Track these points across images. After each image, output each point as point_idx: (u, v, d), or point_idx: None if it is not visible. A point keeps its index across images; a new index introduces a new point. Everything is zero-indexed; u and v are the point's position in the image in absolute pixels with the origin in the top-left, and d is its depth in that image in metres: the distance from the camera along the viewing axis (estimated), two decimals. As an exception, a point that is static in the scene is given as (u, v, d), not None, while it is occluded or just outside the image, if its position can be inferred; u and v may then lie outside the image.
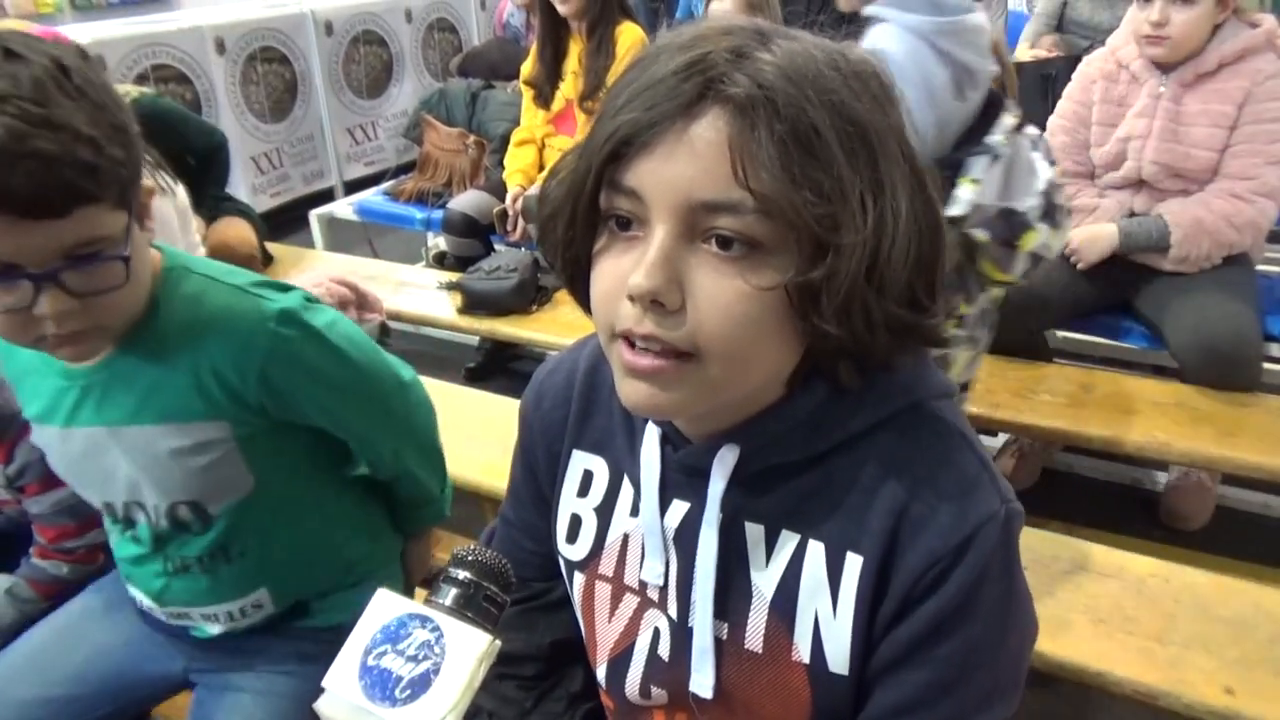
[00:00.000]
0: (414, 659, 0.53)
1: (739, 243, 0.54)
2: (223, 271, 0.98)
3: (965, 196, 1.32)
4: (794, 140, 0.52)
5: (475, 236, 2.90)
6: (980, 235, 1.34)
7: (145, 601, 1.09)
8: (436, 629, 0.54)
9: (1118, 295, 2.06)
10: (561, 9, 2.60)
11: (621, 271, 0.56)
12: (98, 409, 0.94)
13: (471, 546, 0.59)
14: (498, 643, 0.55)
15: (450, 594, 0.57)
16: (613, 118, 0.55)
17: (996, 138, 1.36)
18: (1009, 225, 1.35)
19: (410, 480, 1.14)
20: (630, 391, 0.58)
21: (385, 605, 0.56)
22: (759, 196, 0.52)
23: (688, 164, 0.53)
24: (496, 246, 2.94)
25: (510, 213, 2.74)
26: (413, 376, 1.13)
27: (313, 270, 1.81)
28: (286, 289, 0.98)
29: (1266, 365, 1.91)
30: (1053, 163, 1.40)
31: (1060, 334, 2.35)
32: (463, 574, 0.57)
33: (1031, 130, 1.42)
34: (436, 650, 0.54)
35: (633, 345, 0.57)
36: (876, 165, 0.55)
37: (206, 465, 0.95)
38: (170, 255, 0.96)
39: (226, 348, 0.91)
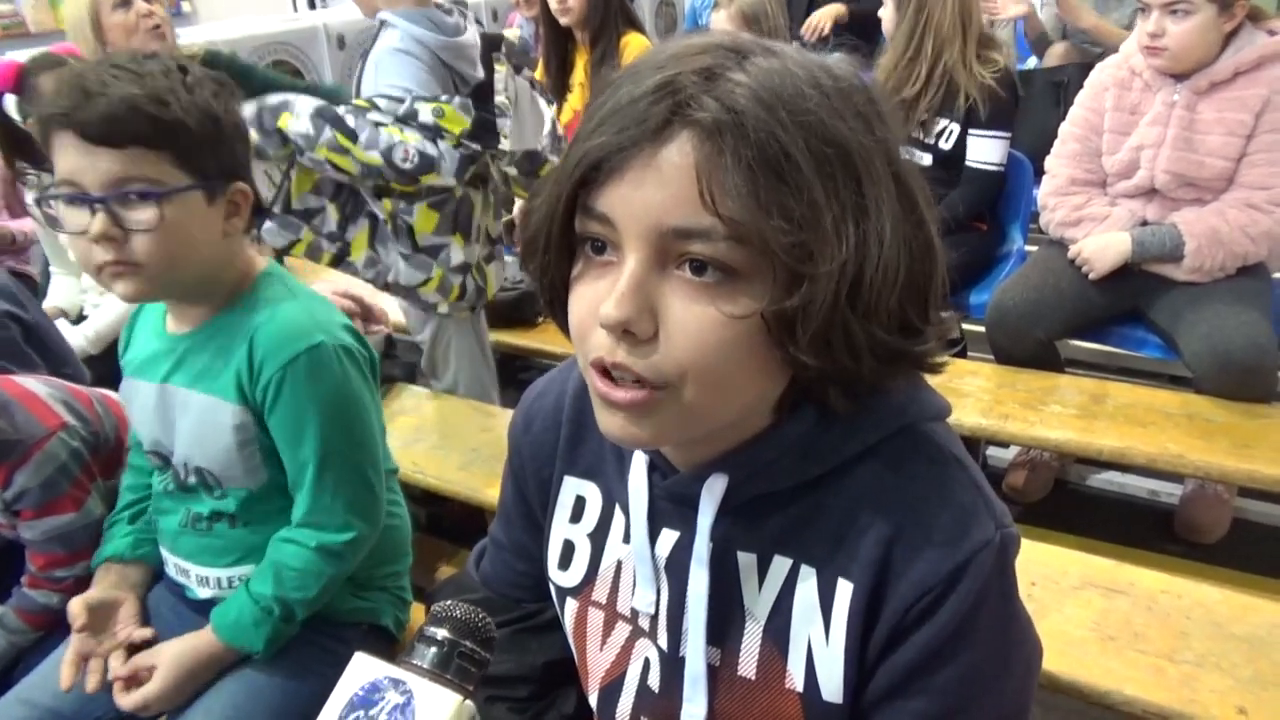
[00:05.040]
0: None
1: (713, 268, 0.53)
2: (305, 293, 1.13)
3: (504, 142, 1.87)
4: (763, 166, 0.50)
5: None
6: (511, 170, 1.93)
7: (164, 549, 1.19)
8: (407, 691, 0.54)
9: (1130, 304, 2.04)
10: (562, 20, 2.60)
11: (595, 298, 0.55)
12: (176, 370, 1.09)
13: (449, 603, 0.58)
14: (469, 703, 0.54)
15: (427, 654, 0.56)
16: (584, 141, 0.54)
17: (500, 99, 1.86)
18: (531, 161, 1.93)
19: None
20: (608, 423, 0.58)
21: (361, 669, 0.56)
22: (728, 223, 0.51)
23: (656, 189, 0.52)
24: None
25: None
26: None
27: (322, 283, 1.82)
28: (341, 334, 1.10)
29: (1283, 376, 1.88)
30: (553, 110, 2.08)
31: (1073, 344, 2.32)
32: (440, 632, 0.57)
33: (524, 81, 1.99)
34: (406, 714, 0.53)
35: (608, 375, 0.56)
36: (860, 187, 0.53)
37: (231, 445, 1.07)
38: (273, 267, 1.15)
39: (268, 347, 1.04)
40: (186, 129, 0.97)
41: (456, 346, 2.06)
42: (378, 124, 1.66)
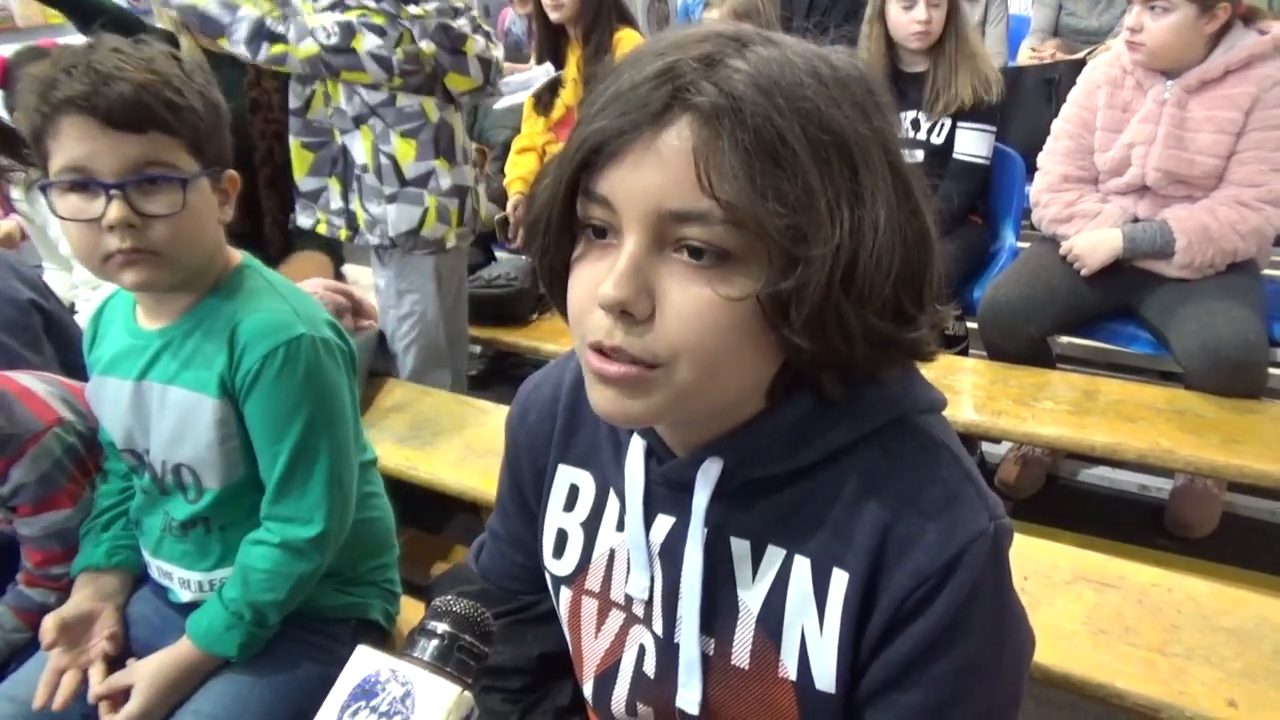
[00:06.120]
0: (386, 715, 0.54)
1: (709, 252, 0.53)
2: (285, 286, 1.12)
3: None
4: (759, 149, 0.51)
5: (476, 244, 2.90)
6: (427, 47, 1.78)
7: (146, 554, 1.18)
8: (407, 683, 0.54)
9: (1121, 301, 2.05)
10: (554, 16, 2.60)
11: (594, 280, 0.55)
12: (152, 366, 1.07)
13: (449, 597, 0.59)
14: (468, 695, 0.55)
15: (428, 647, 0.57)
16: (586, 125, 0.55)
17: None
18: (448, 36, 1.81)
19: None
20: (600, 399, 0.58)
21: (362, 661, 0.56)
22: (725, 206, 0.51)
23: (656, 173, 0.52)
24: (498, 254, 2.94)
25: (511, 220, 2.74)
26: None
27: (312, 279, 1.81)
28: (322, 327, 1.08)
29: (1272, 371, 1.89)
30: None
31: (1064, 340, 2.33)
32: (440, 626, 0.58)
33: None
34: (406, 705, 0.54)
35: (603, 352, 0.56)
36: (855, 174, 0.54)
37: (213, 440, 1.05)
38: (249, 259, 1.13)
39: (249, 337, 1.03)
40: (197, 115, 0.98)
41: (420, 346, 2.05)
42: (296, 16, 1.73)
